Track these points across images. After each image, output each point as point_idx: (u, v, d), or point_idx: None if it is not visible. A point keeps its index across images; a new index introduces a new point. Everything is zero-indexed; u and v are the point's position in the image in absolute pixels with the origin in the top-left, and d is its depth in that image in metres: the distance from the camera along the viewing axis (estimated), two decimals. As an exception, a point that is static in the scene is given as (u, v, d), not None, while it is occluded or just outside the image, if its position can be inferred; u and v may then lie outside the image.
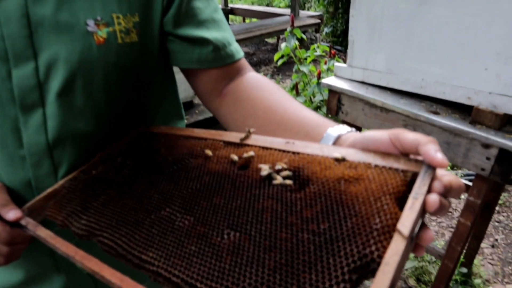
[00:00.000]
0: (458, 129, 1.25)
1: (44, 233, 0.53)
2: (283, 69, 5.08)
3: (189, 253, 0.41)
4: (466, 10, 1.20)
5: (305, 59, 2.77)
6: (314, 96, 2.71)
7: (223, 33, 0.70)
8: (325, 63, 2.76)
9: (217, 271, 0.38)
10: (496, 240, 2.21)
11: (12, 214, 0.57)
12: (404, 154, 0.46)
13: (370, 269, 0.35)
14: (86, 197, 0.57)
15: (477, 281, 1.88)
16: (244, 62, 0.74)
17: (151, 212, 0.49)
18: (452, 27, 1.25)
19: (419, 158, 0.44)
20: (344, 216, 0.40)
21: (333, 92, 1.59)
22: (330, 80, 1.61)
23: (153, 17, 0.65)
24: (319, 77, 2.52)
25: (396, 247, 0.35)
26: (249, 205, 0.45)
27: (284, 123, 0.62)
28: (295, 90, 2.81)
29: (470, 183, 1.35)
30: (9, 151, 0.61)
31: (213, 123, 2.68)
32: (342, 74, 1.63)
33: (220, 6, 0.79)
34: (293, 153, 0.52)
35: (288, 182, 0.46)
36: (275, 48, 6.38)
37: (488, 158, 1.21)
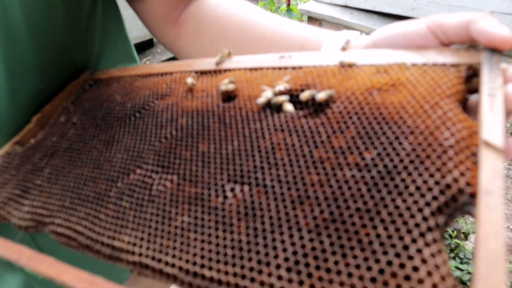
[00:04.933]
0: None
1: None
2: None
3: (182, 227, 0.28)
4: None
5: None
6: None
7: None
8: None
9: (231, 247, 0.25)
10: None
11: None
12: (446, 45, 0.34)
13: (459, 204, 0.23)
14: (25, 174, 0.42)
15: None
16: None
17: (115, 179, 0.36)
18: None
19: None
20: (395, 136, 0.27)
21: (313, 19, 1.42)
22: (308, 6, 1.43)
23: None
24: (288, 3, 2.29)
25: (491, 166, 0.23)
26: (252, 145, 0.32)
27: (267, 38, 0.48)
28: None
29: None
30: None
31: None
32: (321, -2, 1.45)
33: None
34: (293, 68, 0.38)
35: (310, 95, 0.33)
36: None
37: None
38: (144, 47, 2.66)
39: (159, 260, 0.27)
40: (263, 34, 0.48)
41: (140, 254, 0.28)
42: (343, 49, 0.40)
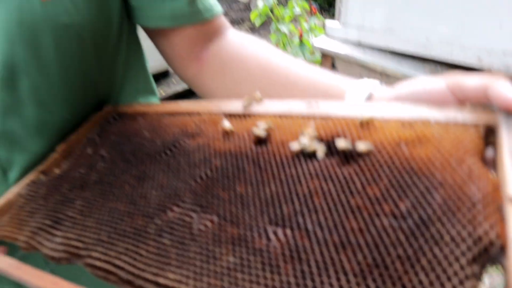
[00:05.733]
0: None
1: (3, 263, 0.39)
2: (258, 29, 4.81)
3: (228, 267, 0.30)
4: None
5: (283, 17, 2.56)
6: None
7: None
8: (306, 21, 2.58)
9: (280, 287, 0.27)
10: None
11: None
12: (463, 103, 0.37)
13: (491, 255, 0.26)
14: (55, 205, 0.43)
15: None
16: (223, 19, 0.61)
17: (152, 215, 0.37)
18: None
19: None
20: (426, 188, 0.30)
21: (326, 56, 1.47)
22: (321, 42, 1.48)
23: None
24: (301, 38, 2.35)
25: (518, 221, 0.26)
26: (289, 189, 0.34)
27: (291, 82, 0.51)
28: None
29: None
30: None
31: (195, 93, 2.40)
32: (334, 34, 1.49)
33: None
34: (322, 117, 0.41)
35: (345, 147, 0.36)
36: (248, 7, 5.80)
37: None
38: (159, 77, 2.69)
39: (208, 298, 0.28)
40: (287, 78, 0.51)
41: (188, 292, 0.29)
42: (368, 99, 0.43)
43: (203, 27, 0.58)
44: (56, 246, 0.38)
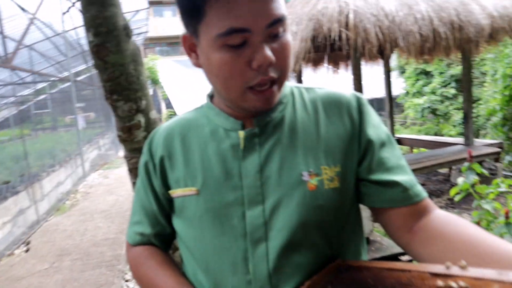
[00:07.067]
0: None
1: None
2: (458, 203, 4.66)
3: None
4: None
5: (486, 195, 2.44)
6: (502, 237, 2.35)
7: (409, 176, 0.82)
8: (513, 199, 2.45)
9: None
10: None
11: None
12: None
13: None
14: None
15: None
16: (429, 201, 0.82)
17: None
18: None
19: None
20: None
21: None
22: None
23: (350, 167, 0.81)
24: (507, 217, 2.25)
25: None
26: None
27: (488, 256, 0.65)
28: (478, 229, 2.46)
29: None
30: (238, 277, 0.77)
31: (391, 259, 2.47)
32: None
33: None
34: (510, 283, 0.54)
35: None
36: (447, 179, 5.81)
37: None
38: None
39: None
40: (484, 251, 0.65)
41: None
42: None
43: (413, 207, 0.80)
44: None
